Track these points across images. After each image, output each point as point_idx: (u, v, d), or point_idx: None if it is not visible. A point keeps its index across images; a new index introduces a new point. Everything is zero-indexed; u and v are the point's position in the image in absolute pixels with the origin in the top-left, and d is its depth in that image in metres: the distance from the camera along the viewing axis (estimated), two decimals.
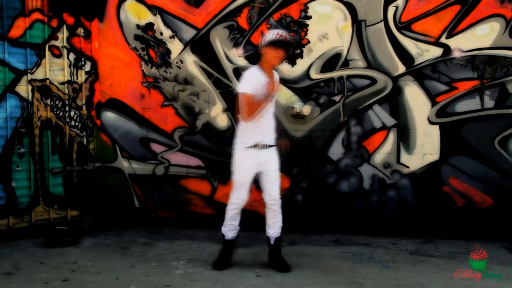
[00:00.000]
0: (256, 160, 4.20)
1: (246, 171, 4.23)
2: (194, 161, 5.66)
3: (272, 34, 4.10)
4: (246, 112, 4.10)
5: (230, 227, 4.36)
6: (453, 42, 5.08)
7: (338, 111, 5.37)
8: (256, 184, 5.28)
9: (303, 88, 5.39)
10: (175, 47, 5.57)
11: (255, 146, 4.19)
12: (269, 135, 4.25)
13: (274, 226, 4.30)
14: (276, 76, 4.34)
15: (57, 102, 5.41)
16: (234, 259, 4.42)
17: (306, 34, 5.33)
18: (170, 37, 5.56)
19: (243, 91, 4.12)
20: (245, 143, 4.21)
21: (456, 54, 5.10)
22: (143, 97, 5.68)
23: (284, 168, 5.34)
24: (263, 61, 4.19)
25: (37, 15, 5.25)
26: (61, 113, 5.44)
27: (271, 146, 4.26)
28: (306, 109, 5.34)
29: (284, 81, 5.37)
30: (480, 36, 5.03)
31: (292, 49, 4.20)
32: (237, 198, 4.28)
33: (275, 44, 4.08)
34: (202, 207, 5.68)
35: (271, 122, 4.28)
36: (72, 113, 5.51)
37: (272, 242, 4.32)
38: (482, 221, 5.14)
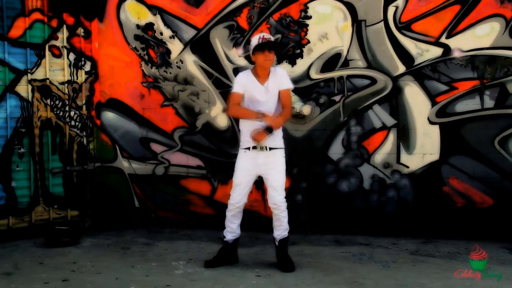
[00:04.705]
0: (254, 161, 4.22)
1: (243, 172, 4.27)
2: (194, 161, 5.66)
3: (255, 40, 4.20)
4: (229, 108, 4.35)
5: (228, 229, 4.37)
6: (453, 42, 5.08)
7: (338, 111, 5.37)
8: (256, 185, 5.29)
9: (303, 88, 5.39)
10: (175, 47, 5.57)
11: (254, 147, 4.21)
12: (270, 138, 4.22)
13: (278, 228, 4.32)
14: (280, 72, 4.33)
15: (57, 102, 5.41)
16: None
17: (306, 34, 5.33)
18: (170, 37, 5.56)
19: (232, 90, 4.31)
20: (245, 144, 4.27)
21: (456, 54, 5.10)
22: (143, 97, 5.67)
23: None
24: (256, 67, 4.27)
25: (37, 15, 5.25)
26: (61, 113, 5.44)
27: (272, 149, 4.24)
28: (306, 109, 5.34)
29: None
30: (480, 36, 5.03)
31: (275, 48, 4.33)
32: (233, 198, 4.30)
33: (261, 48, 4.15)
34: (202, 207, 5.67)
35: None
36: (72, 113, 5.51)
37: (276, 243, 4.34)
38: (482, 221, 5.14)
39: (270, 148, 4.22)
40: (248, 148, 4.24)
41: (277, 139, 4.27)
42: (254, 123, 4.20)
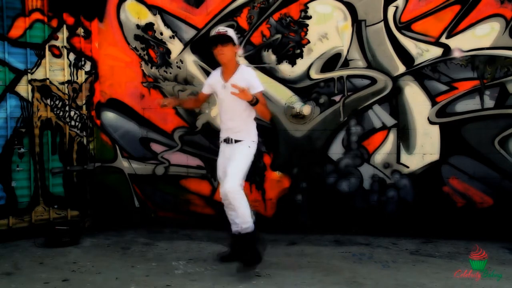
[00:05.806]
0: (223, 154, 4.35)
1: (219, 166, 4.39)
2: (194, 161, 5.66)
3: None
4: None
5: (230, 222, 4.32)
6: (453, 42, 5.08)
7: (338, 111, 5.37)
8: (256, 184, 5.30)
9: (303, 88, 5.39)
10: (175, 47, 5.57)
11: (224, 141, 4.34)
12: (236, 132, 4.27)
13: (236, 220, 4.21)
14: (247, 73, 4.22)
15: (57, 102, 5.41)
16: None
17: (306, 34, 5.33)
18: (170, 37, 5.56)
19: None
20: (220, 138, 4.41)
21: (456, 54, 5.09)
22: (143, 97, 5.68)
23: (284, 168, 5.37)
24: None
25: (37, 15, 5.25)
26: (61, 113, 5.44)
27: (238, 141, 4.26)
28: (306, 109, 5.34)
29: (284, 81, 5.38)
30: (480, 36, 5.03)
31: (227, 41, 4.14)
32: (220, 192, 4.29)
33: (214, 42, 4.17)
34: (202, 207, 5.67)
35: (237, 122, 4.25)
36: (72, 113, 5.51)
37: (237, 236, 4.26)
38: (482, 221, 5.14)
39: (236, 141, 4.26)
40: (221, 142, 4.38)
41: (243, 133, 4.26)
42: (226, 121, 4.29)
